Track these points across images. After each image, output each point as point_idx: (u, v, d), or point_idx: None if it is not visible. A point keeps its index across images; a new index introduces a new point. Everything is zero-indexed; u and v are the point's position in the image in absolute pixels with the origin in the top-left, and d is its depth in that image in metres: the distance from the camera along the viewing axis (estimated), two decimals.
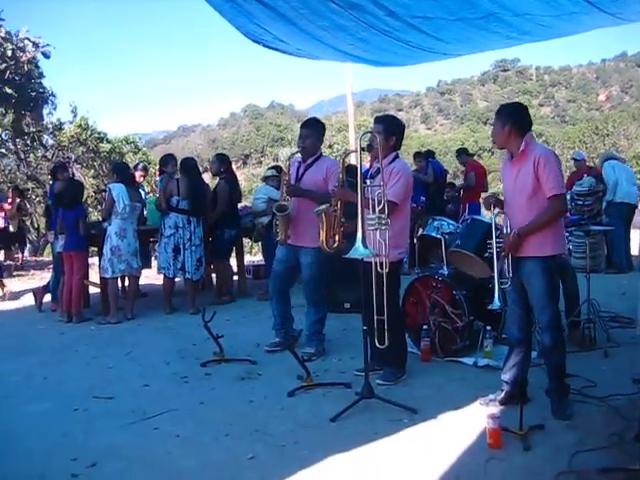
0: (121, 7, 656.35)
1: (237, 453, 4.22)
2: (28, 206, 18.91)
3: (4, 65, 16.06)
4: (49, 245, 15.68)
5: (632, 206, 11.14)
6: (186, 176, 8.75)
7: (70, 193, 8.58)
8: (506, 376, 4.81)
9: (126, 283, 9.37)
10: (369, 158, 5.72)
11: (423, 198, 11.46)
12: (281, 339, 6.56)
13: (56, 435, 4.64)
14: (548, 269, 4.55)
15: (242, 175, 51.36)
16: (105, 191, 9.89)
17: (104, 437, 4.57)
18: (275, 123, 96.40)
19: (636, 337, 6.59)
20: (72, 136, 21.00)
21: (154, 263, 10.67)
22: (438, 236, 6.91)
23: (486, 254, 5.35)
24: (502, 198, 4.89)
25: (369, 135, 5.32)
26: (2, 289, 10.63)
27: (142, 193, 10.15)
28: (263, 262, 10.92)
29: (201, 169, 9.82)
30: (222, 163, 9.46)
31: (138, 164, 11.75)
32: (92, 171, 22.11)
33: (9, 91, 16.14)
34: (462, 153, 13.47)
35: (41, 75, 17.85)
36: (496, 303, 4.54)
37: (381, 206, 4.74)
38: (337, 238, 5.49)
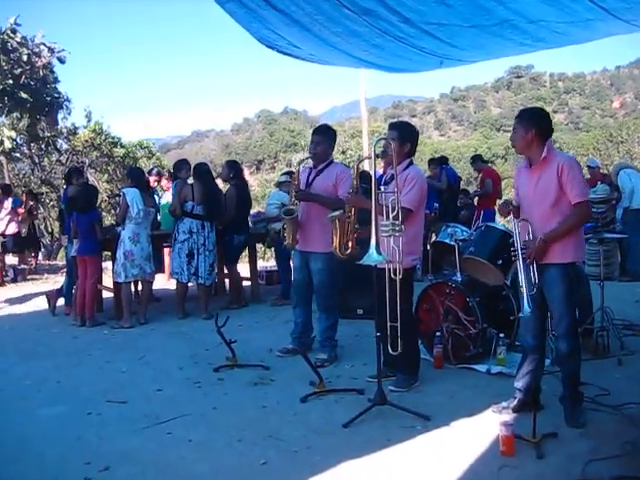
0: (135, 12, 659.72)
1: (250, 458, 4.22)
2: (41, 209, 19.03)
3: (20, 70, 16.17)
4: (63, 249, 15.79)
5: None
6: (199, 181, 8.77)
7: (84, 197, 8.62)
8: (519, 384, 4.79)
9: (139, 288, 9.40)
10: (382, 164, 5.72)
11: (437, 205, 11.44)
12: (295, 346, 6.56)
13: (69, 439, 4.65)
14: (568, 276, 4.53)
15: (255, 180, 51.37)
16: (119, 196, 9.93)
17: (117, 441, 4.59)
18: (288, 129, 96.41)
19: None
20: (86, 141, 21.15)
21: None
22: (452, 243, 6.91)
23: (499, 261, 5.37)
24: (514, 204, 4.85)
25: (383, 141, 5.33)
26: None
27: (156, 198, 10.17)
28: (276, 268, 10.93)
29: (214, 174, 9.82)
30: (231, 169, 9.47)
31: (152, 169, 11.77)
32: (106, 176, 22.25)
33: (24, 96, 16.24)
34: (477, 160, 13.42)
35: (56, 80, 17.96)
36: (526, 309, 4.45)
37: (395, 213, 4.74)
38: (351, 244, 5.48)
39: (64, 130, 20.81)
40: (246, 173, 10.61)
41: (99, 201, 16.53)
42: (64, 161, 21.51)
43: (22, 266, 14.34)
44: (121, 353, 7.12)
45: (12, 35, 16.18)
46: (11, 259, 14.59)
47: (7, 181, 18.04)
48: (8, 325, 9.00)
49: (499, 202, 10.91)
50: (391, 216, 4.73)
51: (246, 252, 10.46)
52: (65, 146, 21.57)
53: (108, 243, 8.90)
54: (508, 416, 4.58)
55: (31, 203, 14.88)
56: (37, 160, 21.64)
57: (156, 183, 10.93)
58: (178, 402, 5.39)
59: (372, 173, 4.89)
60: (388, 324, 4.87)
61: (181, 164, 9.75)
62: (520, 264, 4.56)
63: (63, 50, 17.40)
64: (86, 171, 19.09)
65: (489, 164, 16.64)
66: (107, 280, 9.80)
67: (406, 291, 5.18)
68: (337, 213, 5.53)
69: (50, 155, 21.82)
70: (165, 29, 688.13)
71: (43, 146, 20.90)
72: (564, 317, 4.53)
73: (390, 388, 5.31)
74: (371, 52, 7.08)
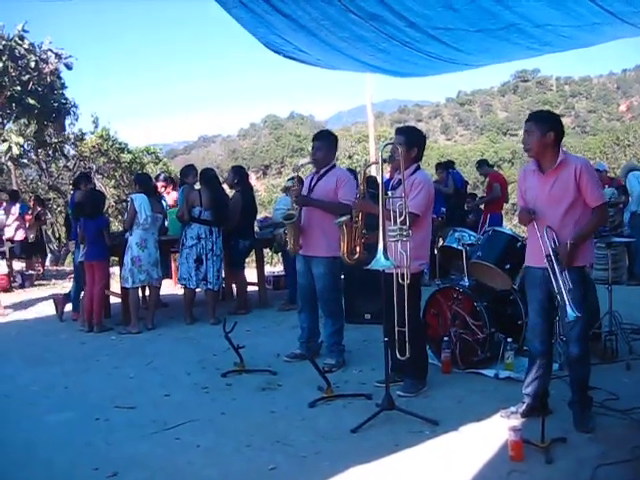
0: (142, 18, 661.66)
1: (258, 464, 4.22)
2: (49, 215, 19.08)
3: (27, 76, 16.28)
4: (70, 254, 15.82)
5: None
6: (206, 187, 8.77)
7: (91, 203, 8.63)
8: (527, 388, 4.78)
9: (147, 293, 9.41)
10: (389, 169, 5.71)
11: (444, 209, 11.42)
12: (303, 351, 6.55)
13: (78, 445, 4.66)
14: (583, 279, 4.53)
15: (262, 186, 51.50)
16: (126, 201, 9.95)
17: (126, 447, 4.59)
18: (295, 133, 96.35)
19: None
20: (93, 146, 21.24)
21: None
22: (459, 247, 6.88)
23: (507, 266, 5.35)
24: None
25: (390, 146, 5.33)
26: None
27: (164, 204, 10.19)
28: (283, 273, 10.93)
29: (221, 179, 9.83)
30: (236, 174, 9.46)
31: (159, 175, 11.79)
32: (113, 181, 22.34)
33: (32, 102, 16.34)
34: (483, 164, 13.42)
35: (63, 86, 18.07)
36: (571, 315, 4.31)
37: (402, 217, 4.73)
38: (358, 249, 5.48)
39: (71, 136, 20.88)
40: (253, 178, 10.64)
41: (106, 207, 16.57)
42: (71, 167, 21.60)
43: (30, 272, 14.38)
44: (129, 359, 7.13)
45: (20, 42, 16.31)
46: (19, 265, 14.61)
47: (15, 187, 18.09)
48: (15, 331, 9.02)
49: (505, 206, 10.88)
50: (399, 221, 4.72)
51: (253, 257, 10.46)
52: (72, 152, 21.64)
53: (115, 249, 8.92)
54: (517, 421, 4.55)
55: (39, 209, 14.96)
56: (44, 166, 21.73)
57: (163, 189, 10.95)
58: (186, 407, 5.39)
59: (379, 178, 4.89)
60: (396, 329, 4.87)
61: (188, 170, 9.74)
62: (557, 270, 4.41)
63: (70, 56, 17.57)
64: (93, 177, 19.15)
65: (495, 168, 16.59)
66: (115, 286, 9.82)
67: (414, 296, 5.17)
68: (344, 218, 5.52)
69: (57, 161, 21.92)
70: (170, 34, 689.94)
71: (50, 152, 20.98)
72: (579, 321, 4.45)
73: (398, 393, 5.30)
74: (377, 57, 7.08)
